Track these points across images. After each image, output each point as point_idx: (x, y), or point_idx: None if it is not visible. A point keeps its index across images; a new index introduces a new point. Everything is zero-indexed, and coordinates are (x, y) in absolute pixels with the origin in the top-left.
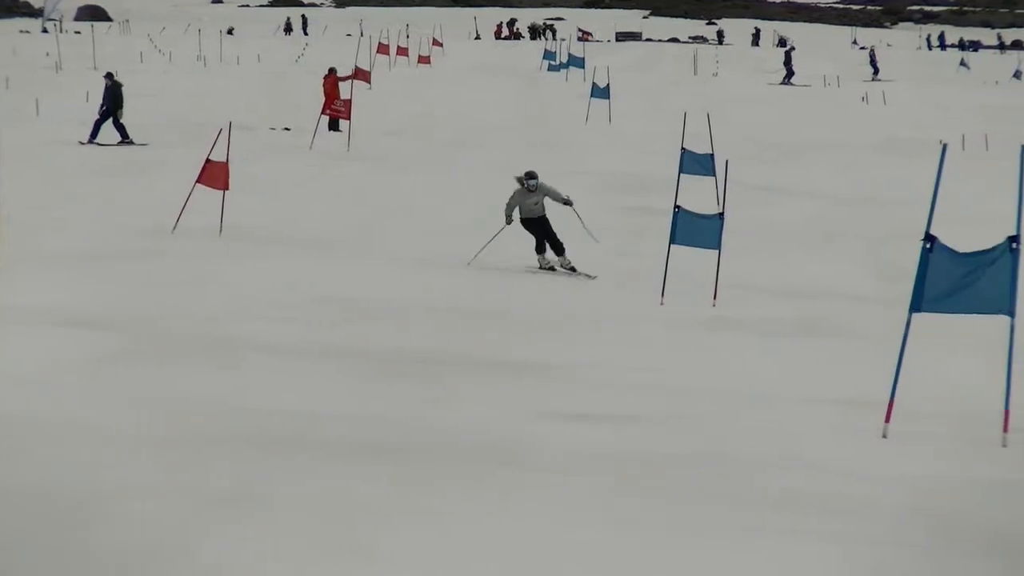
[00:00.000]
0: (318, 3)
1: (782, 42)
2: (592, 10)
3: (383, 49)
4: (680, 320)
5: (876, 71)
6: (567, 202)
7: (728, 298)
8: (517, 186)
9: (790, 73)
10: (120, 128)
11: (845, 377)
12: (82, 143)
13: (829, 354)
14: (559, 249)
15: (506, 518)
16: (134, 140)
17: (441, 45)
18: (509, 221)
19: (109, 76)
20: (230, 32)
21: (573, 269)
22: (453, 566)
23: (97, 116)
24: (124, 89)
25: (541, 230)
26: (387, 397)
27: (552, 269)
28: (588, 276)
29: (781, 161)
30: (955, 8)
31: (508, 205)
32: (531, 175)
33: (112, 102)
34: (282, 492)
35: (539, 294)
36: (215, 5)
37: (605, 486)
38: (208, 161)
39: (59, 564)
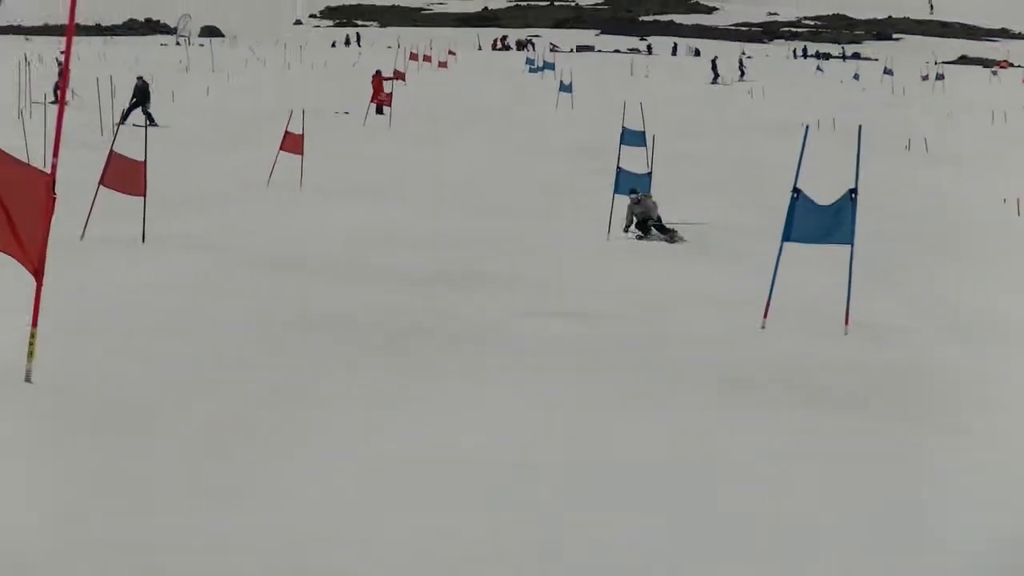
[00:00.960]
0: (368, 24)
1: (696, 52)
2: (560, 29)
3: (414, 56)
4: (620, 248)
5: (742, 74)
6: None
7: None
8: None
9: (717, 75)
10: (148, 115)
11: (735, 285)
12: (116, 123)
13: (723, 269)
14: None
15: (499, 378)
16: (158, 124)
17: (455, 54)
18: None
19: (140, 78)
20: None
21: None
22: (456, 414)
23: (127, 106)
24: (152, 87)
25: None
26: (413, 299)
27: None
28: None
29: (692, 136)
30: (812, 29)
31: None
32: (634, 190)
33: (141, 97)
34: (343, 358)
35: (528, 227)
36: (296, 26)
37: (569, 360)
38: (287, 133)
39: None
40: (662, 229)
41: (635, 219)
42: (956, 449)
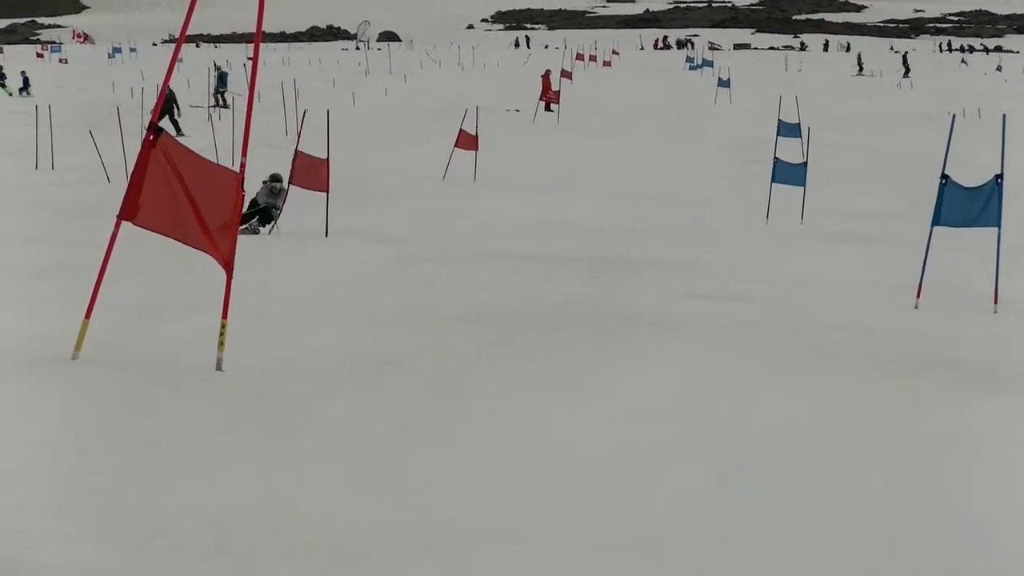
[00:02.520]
0: (536, 27)
1: (847, 48)
2: (718, 29)
3: (579, 57)
4: (777, 234)
5: (907, 70)
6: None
7: (809, 219)
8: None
9: (861, 68)
10: (175, 124)
11: (888, 269)
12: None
13: (877, 255)
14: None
15: (659, 357)
16: (184, 134)
17: (618, 54)
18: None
19: (168, 87)
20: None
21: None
22: (621, 399)
23: (154, 117)
24: (177, 97)
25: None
26: (580, 286)
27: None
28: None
29: (843, 128)
30: (956, 24)
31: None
32: (276, 177)
33: (167, 106)
34: (513, 346)
35: (690, 215)
36: (468, 30)
37: (723, 339)
38: (462, 131)
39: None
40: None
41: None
42: None
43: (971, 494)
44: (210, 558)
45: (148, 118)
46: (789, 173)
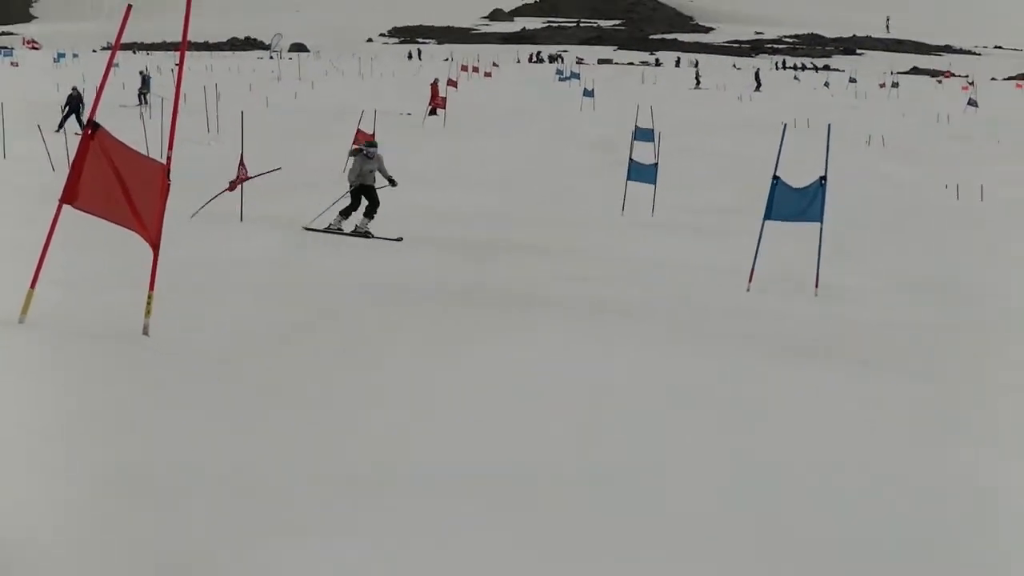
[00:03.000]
0: (427, 42)
1: (696, 64)
2: (585, 46)
3: (464, 68)
4: (632, 224)
5: (759, 85)
6: (393, 182)
7: (660, 212)
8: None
9: (698, 82)
10: (80, 123)
11: (725, 256)
12: (56, 131)
13: (717, 244)
14: (372, 214)
15: (528, 331)
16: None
17: (497, 66)
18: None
19: (74, 88)
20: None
21: (367, 234)
22: (500, 356)
23: (62, 116)
24: (85, 96)
25: (367, 196)
26: (459, 266)
27: (347, 232)
28: (389, 239)
29: (692, 133)
30: (791, 45)
31: (350, 171)
32: (372, 144)
33: (73, 106)
34: (399, 315)
35: (558, 206)
36: (368, 43)
37: (584, 313)
38: (359, 131)
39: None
40: (370, 213)
41: (355, 180)
42: (911, 392)
43: (794, 441)
44: (135, 498)
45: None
46: (642, 172)
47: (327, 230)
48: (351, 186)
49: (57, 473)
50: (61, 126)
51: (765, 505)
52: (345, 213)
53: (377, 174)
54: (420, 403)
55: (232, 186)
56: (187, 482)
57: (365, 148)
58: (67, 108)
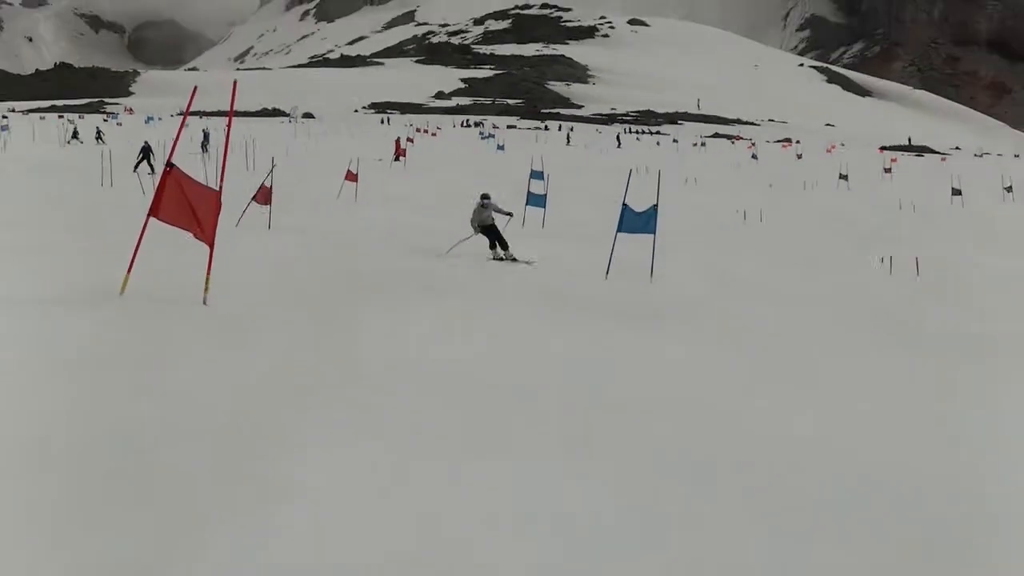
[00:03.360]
0: (393, 112)
1: (572, 129)
2: (499, 116)
3: (418, 130)
4: (528, 234)
5: (619, 143)
6: (509, 215)
7: (549, 226)
8: (477, 203)
9: (568, 141)
10: (152, 167)
11: (591, 256)
12: (132, 171)
13: (584, 247)
14: (504, 245)
15: (431, 305)
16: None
17: (440, 128)
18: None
19: (146, 142)
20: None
21: (514, 259)
22: (427, 321)
23: (136, 160)
24: (165, 147)
25: (492, 234)
26: (412, 261)
27: (501, 259)
28: (527, 263)
29: (568, 175)
30: (634, 117)
31: (472, 220)
32: (485, 196)
33: (145, 153)
34: (373, 292)
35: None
36: (354, 112)
37: (484, 296)
38: (348, 170)
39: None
40: (503, 245)
41: (478, 225)
42: (711, 339)
43: (628, 370)
44: (220, 391)
45: (166, 158)
46: (537, 199)
47: (494, 259)
48: (476, 230)
49: (165, 375)
50: (136, 168)
51: (602, 411)
52: (493, 247)
53: (494, 215)
54: (399, 333)
55: (257, 198)
56: (247, 382)
57: (482, 201)
58: (140, 155)
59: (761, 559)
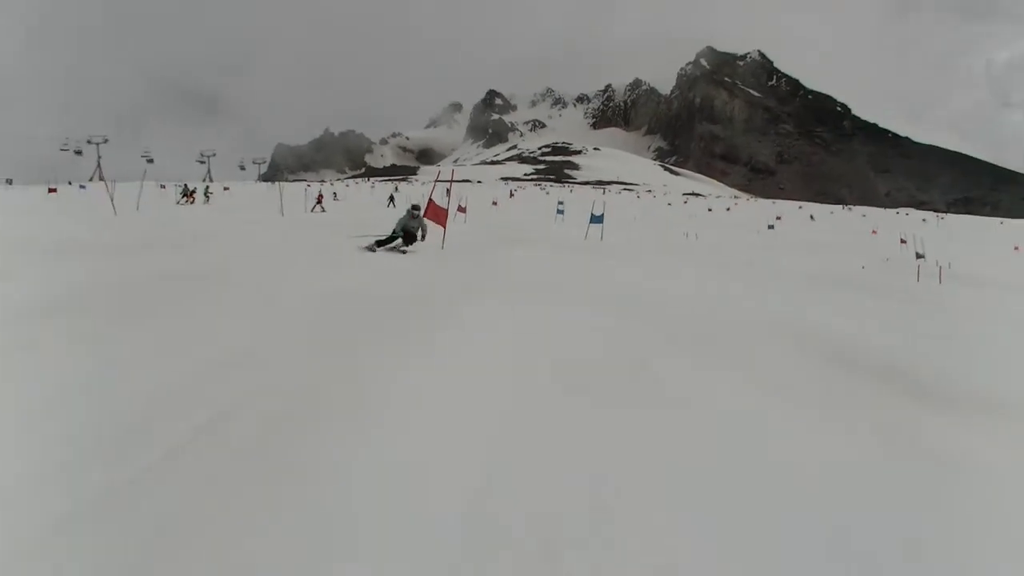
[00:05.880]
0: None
1: (571, 190)
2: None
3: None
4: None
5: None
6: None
7: (569, 225)
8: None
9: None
10: (392, 200)
11: (576, 234)
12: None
13: (579, 231)
14: (410, 243)
15: (493, 297)
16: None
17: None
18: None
19: (391, 194)
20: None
21: (403, 250)
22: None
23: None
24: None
25: (409, 239)
26: (414, 279)
27: (404, 251)
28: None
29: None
30: (620, 182)
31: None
32: (416, 207)
33: (392, 198)
34: (391, 312)
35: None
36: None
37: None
38: (437, 202)
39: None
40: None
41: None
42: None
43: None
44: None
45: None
46: (597, 219)
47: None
48: (398, 232)
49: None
50: (389, 204)
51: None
52: (382, 243)
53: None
54: (523, 259)
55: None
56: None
57: (412, 210)
58: (389, 200)
59: (656, 341)
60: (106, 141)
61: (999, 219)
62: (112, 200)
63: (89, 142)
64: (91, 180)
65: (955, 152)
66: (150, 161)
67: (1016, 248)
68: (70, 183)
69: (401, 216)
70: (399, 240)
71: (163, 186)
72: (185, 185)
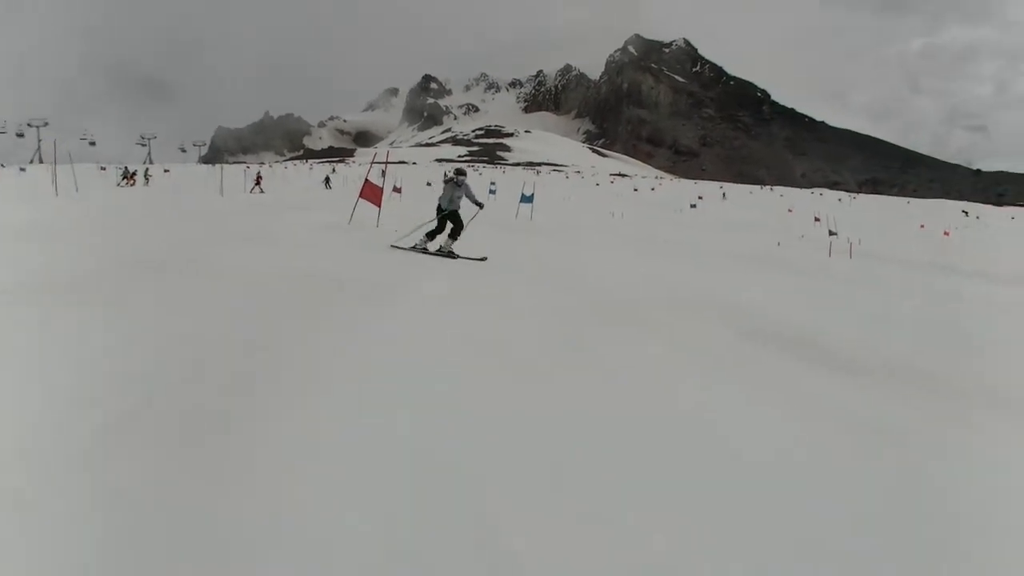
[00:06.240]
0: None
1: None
2: (479, 162)
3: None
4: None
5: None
6: (480, 205)
7: (500, 207)
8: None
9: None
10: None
11: (507, 214)
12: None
13: (510, 211)
14: (456, 235)
15: (449, 279)
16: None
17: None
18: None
19: (327, 175)
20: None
21: (451, 254)
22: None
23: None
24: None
25: (451, 219)
26: (383, 266)
27: (432, 252)
28: (473, 259)
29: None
30: (550, 163)
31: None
32: (460, 171)
33: (326, 180)
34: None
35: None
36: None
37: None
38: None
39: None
40: (454, 235)
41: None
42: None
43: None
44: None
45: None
46: (527, 199)
47: (413, 249)
48: (440, 212)
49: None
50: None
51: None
52: (431, 235)
53: (464, 200)
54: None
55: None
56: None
57: (455, 177)
58: (326, 181)
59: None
60: (46, 124)
61: (906, 199)
62: (55, 183)
63: (30, 125)
64: (31, 163)
65: (867, 136)
66: (92, 144)
67: (922, 226)
68: (2, 165)
69: (441, 194)
70: (444, 235)
71: (103, 168)
72: (125, 168)
